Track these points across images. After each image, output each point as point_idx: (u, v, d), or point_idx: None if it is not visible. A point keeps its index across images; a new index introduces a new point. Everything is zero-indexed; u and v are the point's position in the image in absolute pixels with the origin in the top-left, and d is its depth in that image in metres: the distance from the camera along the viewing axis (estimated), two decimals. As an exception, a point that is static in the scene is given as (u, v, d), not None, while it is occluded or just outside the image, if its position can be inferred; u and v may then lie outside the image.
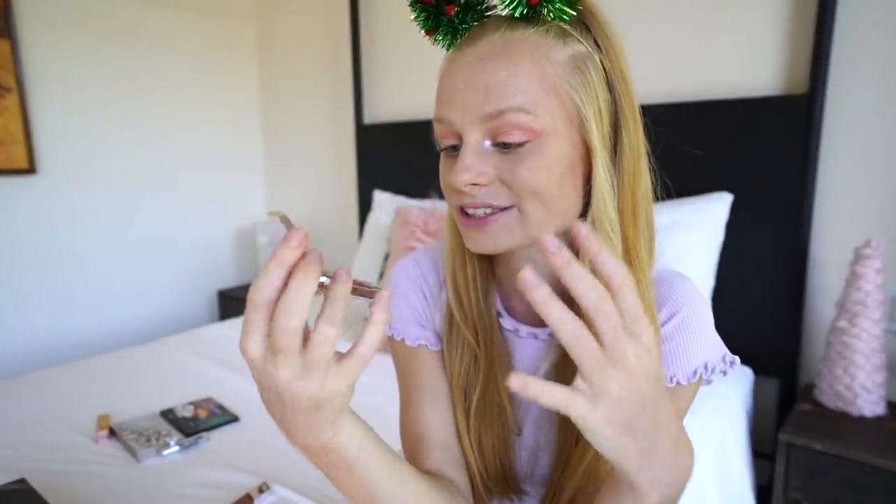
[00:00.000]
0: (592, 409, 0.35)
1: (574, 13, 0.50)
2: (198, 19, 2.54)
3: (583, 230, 0.34)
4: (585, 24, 0.51)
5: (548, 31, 0.49)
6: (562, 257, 0.33)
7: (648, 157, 0.55)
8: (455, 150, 0.52)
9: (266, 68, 2.79)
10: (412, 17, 0.55)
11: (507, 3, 0.49)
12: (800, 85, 1.40)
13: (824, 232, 1.43)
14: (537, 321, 0.61)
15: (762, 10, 1.44)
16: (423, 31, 0.55)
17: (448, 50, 0.55)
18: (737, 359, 0.57)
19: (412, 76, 2.22)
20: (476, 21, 0.53)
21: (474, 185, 0.50)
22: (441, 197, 1.89)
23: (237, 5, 2.69)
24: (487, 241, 0.52)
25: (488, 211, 0.51)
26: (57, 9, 2.11)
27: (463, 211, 0.53)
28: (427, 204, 1.92)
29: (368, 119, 2.35)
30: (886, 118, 1.32)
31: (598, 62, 0.51)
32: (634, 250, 0.53)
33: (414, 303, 0.65)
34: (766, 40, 1.44)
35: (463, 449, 0.61)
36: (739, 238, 1.47)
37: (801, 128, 1.36)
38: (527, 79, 0.48)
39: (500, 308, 0.62)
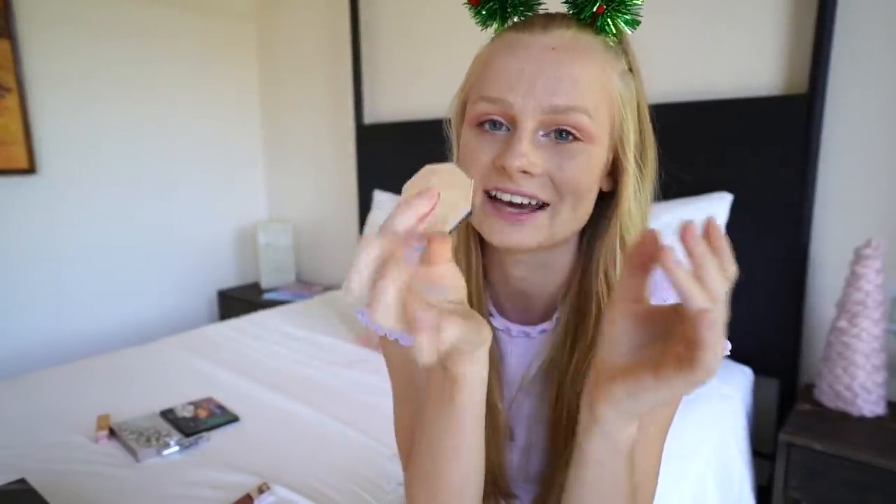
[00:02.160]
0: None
1: (631, 30, 0.53)
2: (198, 19, 2.54)
3: (652, 238, 0.37)
4: (623, 49, 0.54)
5: (607, 43, 0.52)
6: (697, 249, 0.36)
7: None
8: (496, 127, 0.51)
9: (266, 68, 2.79)
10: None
11: (572, 4, 0.52)
12: (800, 85, 1.40)
13: (824, 232, 1.43)
14: (527, 320, 0.62)
15: (762, 11, 1.44)
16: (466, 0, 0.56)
17: (482, 26, 0.56)
18: (728, 343, 0.57)
19: (412, 76, 2.21)
20: (524, 13, 0.55)
21: (524, 172, 0.49)
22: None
23: (237, 5, 2.69)
24: (517, 236, 0.51)
25: (526, 203, 0.51)
26: (57, 9, 2.11)
27: (493, 199, 0.52)
28: (427, 204, 1.92)
29: (368, 119, 2.35)
30: (886, 118, 1.32)
31: (632, 83, 0.54)
32: None
33: None
34: (766, 40, 1.44)
35: None
36: (739, 238, 1.45)
37: (801, 128, 1.36)
38: (596, 83, 0.50)
39: (491, 308, 0.63)
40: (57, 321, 2.22)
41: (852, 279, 1.27)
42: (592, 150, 0.50)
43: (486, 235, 0.53)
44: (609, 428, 0.43)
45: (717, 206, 1.44)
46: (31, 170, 2.07)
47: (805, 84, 1.38)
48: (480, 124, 0.52)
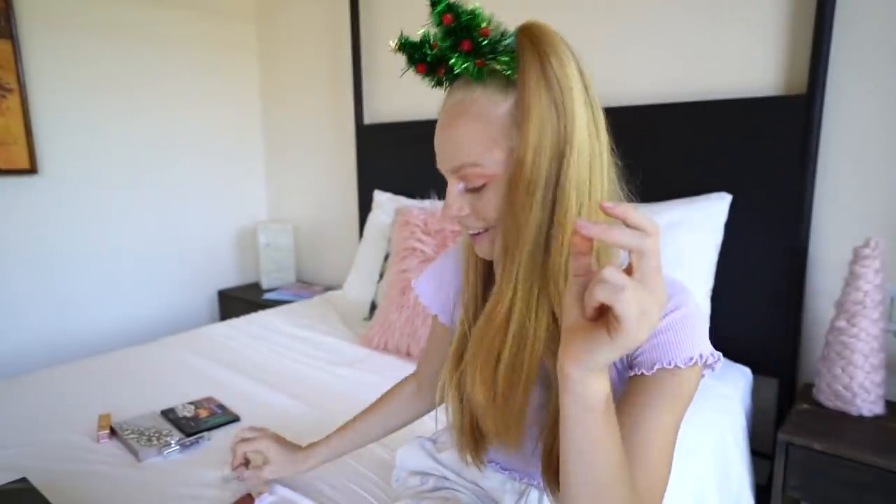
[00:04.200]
0: (632, 293, 0.42)
1: (509, 72, 0.59)
2: (198, 19, 2.54)
3: (581, 224, 0.42)
4: (514, 79, 0.59)
5: (486, 87, 0.60)
6: (599, 227, 0.42)
7: (616, 166, 0.63)
8: None
9: (266, 68, 2.80)
10: (404, 63, 0.66)
11: (457, 64, 0.60)
12: (799, 85, 1.41)
13: (824, 232, 1.43)
14: None
15: (762, 11, 1.44)
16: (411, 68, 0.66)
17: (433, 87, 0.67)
18: (720, 355, 0.62)
19: (412, 76, 2.21)
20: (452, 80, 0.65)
21: (459, 216, 0.65)
22: (442, 198, 1.89)
23: (237, 5, 2.69)
24: (483, 251, 0.68)
25: (478, 230, 0.66)
26: (58, 9, 2.11)
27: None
28: (427, 204, 1.92)
29: (368, 119, 2.36)
30: (886, 118, 1.32)
31: (528, 110, 0.58)
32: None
33: (447, 291, 0.84)
34: (766, 40, 1.44)
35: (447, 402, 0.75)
36: (739, 238, 1.47)
37: (801, 128, 1.36)
38: (473, 140, 0.60)
39: None
40: (57, 321, 2.22)
41: (851, 279, 1.27)
42: (499, 184, 0.61)
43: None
44: (577, 387, 0.48)
45: (716, 206, 1.45)
46: (32, 170, 2.07)
47: (804, 84, 1.39)
48: None
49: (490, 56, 0.59)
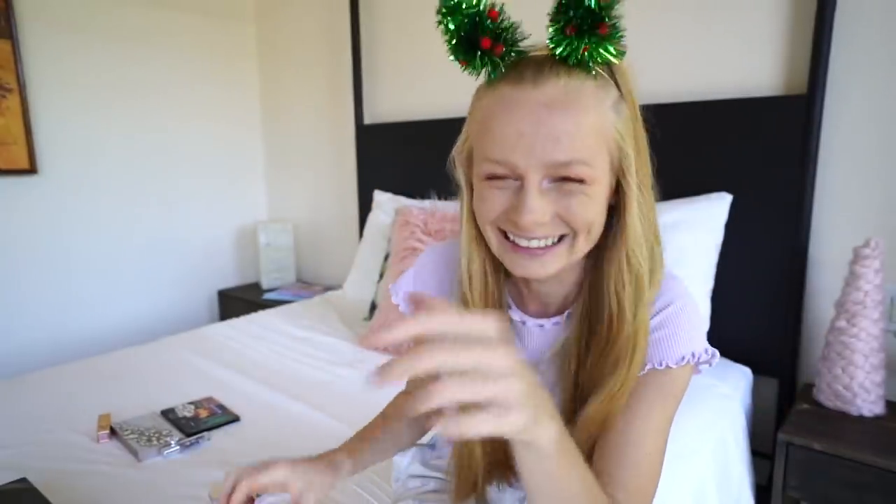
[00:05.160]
0: (512, 421, 0.37)
1: (618, 61, 0.53)
2: (198, 20, 2.54)
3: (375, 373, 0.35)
4: (613, 75, 0.55)
5: (597, 78, 0.53)
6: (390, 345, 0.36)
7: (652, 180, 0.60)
8: (500, 179, 0.55)
9: (266, 68, 2.79)
10: (449, 50, 0.55)
11: (561, 49, 0.52)
12: (799, 85, 1.41)
13: (824, 232, 1.43)
14: (542, 314, 0.68)
15: (761, 11, 1.44)
16: (453, 59, 0.56)
17: (482, 77, 0.56)
18: (717, 352, 0.61)
19: (412, 76, 2.22)
20: (514, 55, 0.55)
21: (541, 222, 0.54)
22: (442, 198, 1.89)
23: (237, 6, 2.69)
24: (539, 268, 0.57)
25: (542, 243, 0.56)
26: (58, 10, 2.11)
27: (508, 239, 0.57)
28: (427, 204, 1.92)
29: (368, 119, 2.36)
30: (886, 118, 1.32)
31: (625, 107, 0.55)
32: (645, 273, 0.58)
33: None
34: (766, 40, 1.44)
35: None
36: (739, 238, 1.47)
37: (801, 128, 1.36)
38: (591, 133, 0.52)
39: (510, 301, 0.69)
40: (57, 321, 2.22)
41: (851, 279, 1.27)
42: (596, 189, 0.54)
43: (509, 267, 0.59)
44: (524, 441, 0.43)
45: (716, 206, 1.45)
46: (32, 170, 2.07)
47: (804, 84, 1.39)
48: (489, 178, 0.56)
49: (597, 41, 0.51)
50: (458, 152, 0.63)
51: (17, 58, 1.99)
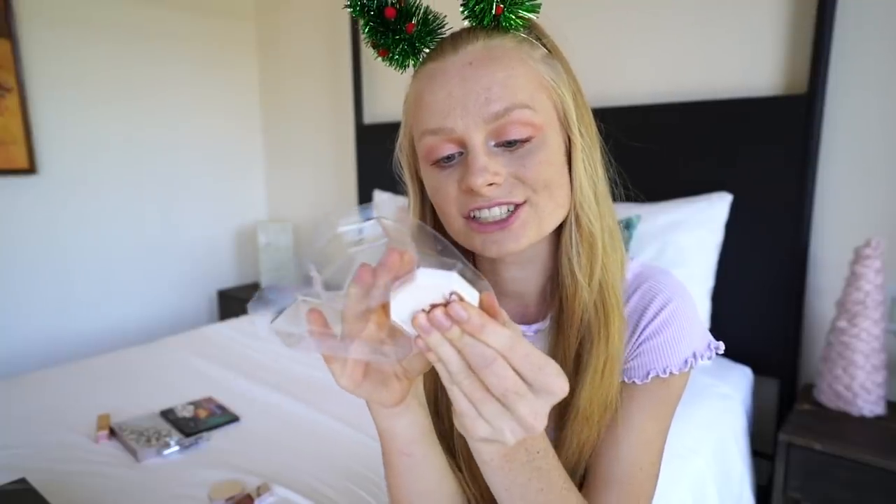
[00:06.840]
0: (488, 443, 0.41)
1: (533, 16, 0.53)
2: (198, 19, 2.54)
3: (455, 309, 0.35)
4: (536, 35, 0.55)
5: (519, 37, 0.53)
6: (434, 338, 0.36)
7: (603, 153, 0.58)
8: (449, 160, 0.53)
9: (266, 68, 2.79)
10: (364, 35, 0.56)
11: (471, 15, 0.52)
12: (799, 85, 1.40)
13: (824, 232, 1.43)
14: (523, 321, 0.63)
15: (762, 11, 1.44)
16: (375, 53, 0.57)
17: (401, 69, 0.57)
18: (721, 344, 0.59)
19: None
20: (432, 41, 0.55)
21: (490, 185, 0.51)
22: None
23: (237, 5, 2.69)
24: (511, 240, 0.52)
25: (505, 211, 0.52)
26: (57, 9, 2.11)
27: (473, 219, 0.53)
28: (427, 204, 1.92)
29: (368, 119, 2.36)
30: (886, 118, 1.32)
31: (557, 62, 0.54)
32: (602, 236, 0.56)
33: None
34: (766, 40, 1.44)
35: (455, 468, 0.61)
36: (739, 238, 1.47)
37: (801, 128, 1.36)
38: (524, 78, 0.51)
39: None
40: (57, 321, 2.22)
41: (852, 279, 1.27)
42: (548, 139, 0.52)
43: (481, 251, 0.54)
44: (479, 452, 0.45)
45: (717, 206, 1.44)
46: (31, 170, 2.07)
47: (805, 84, 1.38)
48: (436, 162, 0.54)
49: (510, 6, 0.51)
50: (400, 149, 0.61)
51: (17, 57, 1.99)
